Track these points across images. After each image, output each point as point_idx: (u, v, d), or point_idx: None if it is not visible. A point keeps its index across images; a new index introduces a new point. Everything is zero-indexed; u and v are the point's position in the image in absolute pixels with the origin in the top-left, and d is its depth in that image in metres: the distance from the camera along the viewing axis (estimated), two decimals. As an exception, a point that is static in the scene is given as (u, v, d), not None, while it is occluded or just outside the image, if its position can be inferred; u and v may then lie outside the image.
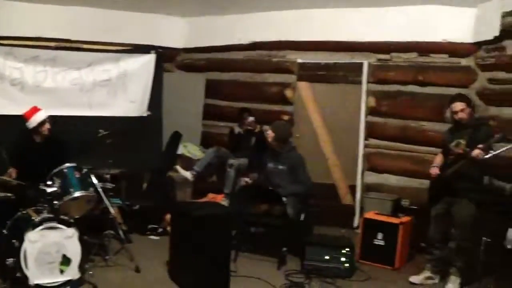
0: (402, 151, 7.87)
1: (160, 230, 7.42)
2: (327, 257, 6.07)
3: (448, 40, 7.39)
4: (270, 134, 6.76)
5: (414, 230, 6.62)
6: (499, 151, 4.66)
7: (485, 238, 4.62)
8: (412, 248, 6.66)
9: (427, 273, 6.00)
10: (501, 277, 5.57)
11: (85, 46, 8.42)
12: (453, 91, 6.81)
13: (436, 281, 5.99)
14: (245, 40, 8.97)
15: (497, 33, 6.65)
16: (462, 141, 5.60)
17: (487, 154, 4.98)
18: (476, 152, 5.18)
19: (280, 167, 6.70)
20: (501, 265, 5.63)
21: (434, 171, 5.83)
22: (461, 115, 5.60)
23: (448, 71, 7.47)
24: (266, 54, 8.90)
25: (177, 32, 9.70)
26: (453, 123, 5.80)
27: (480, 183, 5.69)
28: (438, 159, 6.01)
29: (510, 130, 6.03)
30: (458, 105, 5.62)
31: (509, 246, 5.47)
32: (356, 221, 8.04)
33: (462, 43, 7.32)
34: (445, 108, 5.87)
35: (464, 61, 7.40)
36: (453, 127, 5.86)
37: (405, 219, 6.57)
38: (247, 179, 7.08)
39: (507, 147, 4.80)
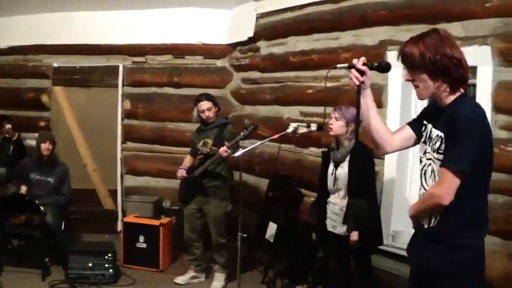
0: (160, 153, 7.74)
1: None
2: (90, 264, 5.73)
3: (204, 42, 7.42)
4: (47, 146, 6.25)
5: (176, 231, 6.48)
6: (247, 149, 4.75)
7: (240, 234, 4.66)
8: (175, 249, 6.55)
9: (192, 273, 5.96)
10: (269, 269, 5.76)
11: None
12: (209, 92, 6.74)
13: (202, 279, 5.99)
14: (1, 44, 8.17)
15: (251, 34, 6.85)
16: (209, 141, 5.59)
17: (234, 152, 4.97)
18: (222, 150, 5.18)
19: (49, 179, 6.28)
20: (267, 258, 5.83)
21: (180, 173, 5.71)
22: (208, 114, 5.58)
23: (203, 72, 7.52)
24: (23, 59, 8.19)
25: None
26: (200, 122, 5.77)
27: (229, 180, 5.72)
28: (187, 161, 5.93)
29: (266, 128, 6.36)
30: (204, 104, 5.59)
31: (270, 240, 5.67)
32: (119, 226, 7.68)
33: (217, 45, 7.42)
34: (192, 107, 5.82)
35: (219, 62, 7.50)
36: (200, 127, 5.83)
37: (166, 220, 6.46)
38: None
39: (257, 144, 4.93)
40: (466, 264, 2.58)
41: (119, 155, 7.91)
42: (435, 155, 2.62)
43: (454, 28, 4.26)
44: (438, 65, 2.51)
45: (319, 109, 5.64)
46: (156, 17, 7.51)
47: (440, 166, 2.55)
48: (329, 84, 5.55)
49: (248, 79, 7.18)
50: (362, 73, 2.69)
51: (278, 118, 6.40)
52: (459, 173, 2.48)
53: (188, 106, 6.59)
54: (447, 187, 2.50)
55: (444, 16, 4.43)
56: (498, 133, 3.98)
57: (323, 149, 4.71)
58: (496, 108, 4.06)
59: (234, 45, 7.37)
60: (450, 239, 2.59)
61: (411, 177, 5.02)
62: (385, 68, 2.80)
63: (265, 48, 6.74)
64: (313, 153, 5.80)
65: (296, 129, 4.68)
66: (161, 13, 7.49)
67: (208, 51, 7.52)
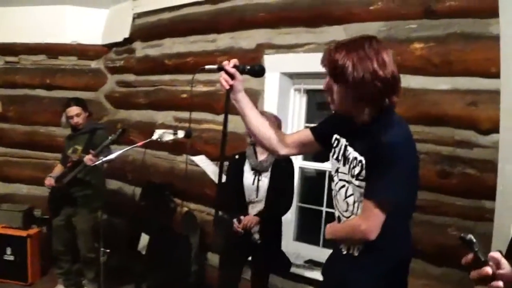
0: (31, 158, 7.04)
1: None
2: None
3: (78, 42, 6.84)
4: None
5: (46, 242, 5.88)
6: (111, 157, 4.35)
7: (103, 249, 4.28)
8: (47, 261, 5.97)
9: (61, 287, 5.49)
10: (142, 282, 5.37)
11: None
12: (82, 94, 6.39)
13: (71, 293, 5.58)
14: None
15: (127, 35, 6.38)
16: (79, 147, 5.21)
17: (101, 158, 4.58)
18: (87, 158, 4.80)
19: None
20: (140, 271, 5.44)
21: (48, 181, 5.21)
22: (77, 120, 5.20)
23: (77, 74, 6.93)
24: None
25: None
26: (71, 128, 5.37)
27: (101, 190, 5.31)
28: (57, 169, 5.45)
29: (139, 133, 5.92)
30: (73, 110, 5.19)
31: (142, 252, 5.33)
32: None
33: (92, 45, 6.86)
34: (60, 113, 5.34)
35: (94, 64, 6.97)
36: (71, 133, 5.42)
37: (34, 231, 5.88)
38: None
39: (121, 151, 4.52)
40: None
41: (-12, 160, 7.11)
42: (355, 181, 2.24)
43: (336, 32, 4.00)
44: (358, 82, 2.08)
45: (194, 115, 5.29)
46: (29, 14, 6.80)
47: (365, 197, 2.19)
48: (204, 89, 5.22)
49: (122, 82, 6.67)
50: (232, 76, 2.35)
51: (152, 123, 5.92)
52: (387, 205, 2.14)
53: (60, 109, 5.99)
54: (374, 221, 2.16)
55: (325, 19, 4.14)
56: None
57: (236, 156, 4.25)
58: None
59: (110, 46, 6.83)
60: (371, 268, 2.24)
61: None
62: (258, 72, 2.43)
63: (141, 49, 6.26)
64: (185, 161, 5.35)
65: (161, 136, 4.27)
66: (34, 11, 6.79)
67: (83, 51, 6.93)
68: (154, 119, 5.98)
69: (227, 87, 2.35)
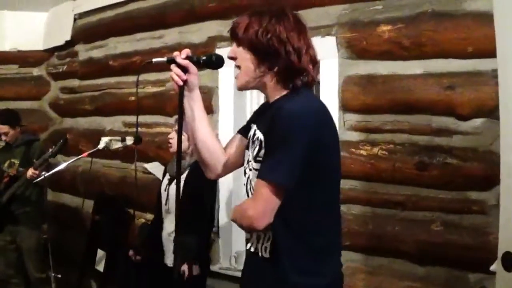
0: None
1: None
2: None
3: (18, 48, 6.38)
4: None
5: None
6: (54, 170, 4.16)
7: (54, 274, 4.07)
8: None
9: None
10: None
11: None
12: (25, 104, 6.16)
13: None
14: None
15: (68, 38, 5.94)
16: (16, 161, 4.89)
17: (46, 171, 4.33)
18: (30, 172, 4.44)
19: None
20: None
21: None
22: (5, 138, 4.94)
23: (18, 82, 6.45)
24: None
25: None
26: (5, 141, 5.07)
27: (41, 206, 4.95)
28: None
29: (87, 142, 5.49)
30: (0, 128, 4.88)
31: (100, 269, 5.00)
32: None
33: (33, 51, 6.41)
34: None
35: (36, 71, 6.50)
36: (5, 145, 5.10)
37: None
38: None
39: (65, 164, 4.18)
40: None
41: None
42: (254, 164, 1.90)
43: None
44: (264, 45, 1.83)
45: (145, 119, 4.88)
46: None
47: (257, 177, 1.81)
48: (153, 89, 4.83)
49: (66, 88, 6.20)
50: (185, 70, 1.93)
51: (100, 130, 5.46)
52: (276, 187, 1.74)
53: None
54: (262, 206, 1.76)
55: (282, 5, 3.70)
56: (347, 135, 3.37)
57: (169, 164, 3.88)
58: (344, 107, 3.42)
59: (51, 51, 6.37)
60: (285, 277, 1.83)
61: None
62: (215, 62, 2.02)
63: (84, 52, 5.79)
64: (139, 169, 4.91)
65: (108, 144, 3.89)
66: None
67: (24, 58, 6.47)
68: (102, 126, 5.53)
69: (180, 83, 1.93)
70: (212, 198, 3.79)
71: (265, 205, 1.75)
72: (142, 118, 4.91)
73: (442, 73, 3.06)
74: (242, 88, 1.99)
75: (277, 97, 1.90)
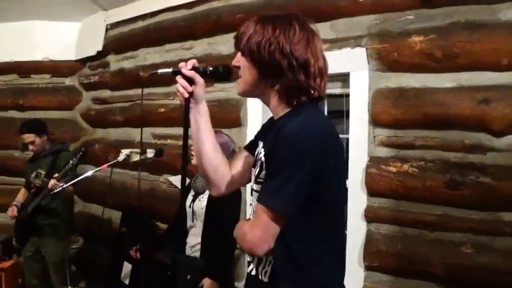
0: (5, 184, 6.50)
1: None
2: None
3: (50, 58, 6.41)
4: None
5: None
6: (73, 181, 4.07)
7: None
8: None
9: None
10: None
11: None
12: (56, 114, 6.22)
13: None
14: None
15: (100, 48, 5.95)
16: (42, 171, 4.80)
17: (62, 184, 4.22)
18: (51, 183, 4.32)
19: None
20: None
21: (11, 211, 4.79)
22: (32, 148, 4.84)
23: (50, 92, 6.49)
24: None
25: None
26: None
27: (68, 217, 4.96)
28: (20, 195, 5.03)
29: (117, 153, 5.32)
30: (25, 137, 4.81)
31: (125, 281, 4.91)
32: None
33: (65, 61, 6.43)
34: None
35: (68, 81, 6.52)
36: (33, 155, 5.02)
37: (8, 264, 5.32)
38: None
39: (84, 175, 4.16)
40: None
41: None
42: (254, 185, 1.84)
43: (322, 29, 3.47)
44: (266, 58, 1.74)
45: (174, 130, 4.84)
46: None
47: (257, 200, 1.73)
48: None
49: (98, 98, 6.19)
50: (191, 81, 1.86)
51: (130, 142, 5.43)
52: (276, 214, 1.66)
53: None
54: (261, 232, 1.68)
55: (311, 16, 3.63)
56: (377, 151, 3.27)
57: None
58: (374, 121, 3.32)
59: (83, 61, 6.39)
60: None
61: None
62: (222, 73, 1.93)
63: (115, 62, 5.78)
64: (165, 182, 4.88)
65: (128, 157, 3.84)
66: (2, 28, 6.40)
67: (56, 68, 6.50)
68: (132, 137, 5.49)
69: (186, 95, 1.85)
70: (236, 215, 3.70)
71: (264, 231, 1.68)
72: (171, 130, 4.91)
73: (475, 86, 2.95)
74: (242, 95, 1.94)
75: (281, 114, 1.82)
